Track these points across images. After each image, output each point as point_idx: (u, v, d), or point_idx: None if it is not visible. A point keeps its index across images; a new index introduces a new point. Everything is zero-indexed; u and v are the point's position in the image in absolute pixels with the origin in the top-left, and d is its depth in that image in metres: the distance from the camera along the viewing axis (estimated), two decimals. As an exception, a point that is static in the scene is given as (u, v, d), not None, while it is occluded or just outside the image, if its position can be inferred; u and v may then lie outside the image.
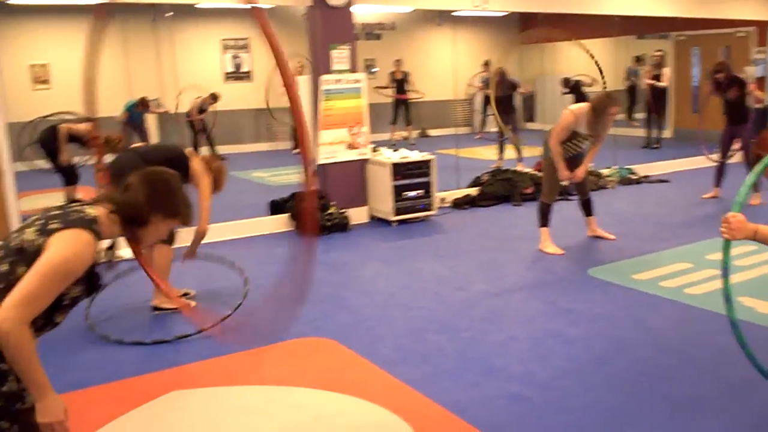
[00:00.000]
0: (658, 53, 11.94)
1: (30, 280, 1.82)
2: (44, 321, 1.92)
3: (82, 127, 6.73)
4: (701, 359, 3.69)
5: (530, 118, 14.59)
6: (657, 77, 11.76)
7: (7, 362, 1.80)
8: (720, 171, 7.70)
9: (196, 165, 4.37)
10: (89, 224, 1.95)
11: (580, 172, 5.67)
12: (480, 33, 15.03)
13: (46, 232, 1.90)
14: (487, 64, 11.02)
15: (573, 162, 5.68)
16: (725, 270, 2.56)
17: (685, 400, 3.24)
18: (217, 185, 4.49)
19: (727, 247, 2.51)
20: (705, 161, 10.11)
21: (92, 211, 2.00)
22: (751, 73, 11.99)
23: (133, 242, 2.12)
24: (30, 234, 1.91)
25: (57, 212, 1.99)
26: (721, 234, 2.48)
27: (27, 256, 1.87)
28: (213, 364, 3.74)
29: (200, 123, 11.29)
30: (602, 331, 4.09)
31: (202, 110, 11.25)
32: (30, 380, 1.83)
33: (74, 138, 6.90)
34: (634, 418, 3.08)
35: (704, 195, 7.76)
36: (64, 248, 1.87)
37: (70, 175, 7.11)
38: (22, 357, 1.79)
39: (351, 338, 4.03)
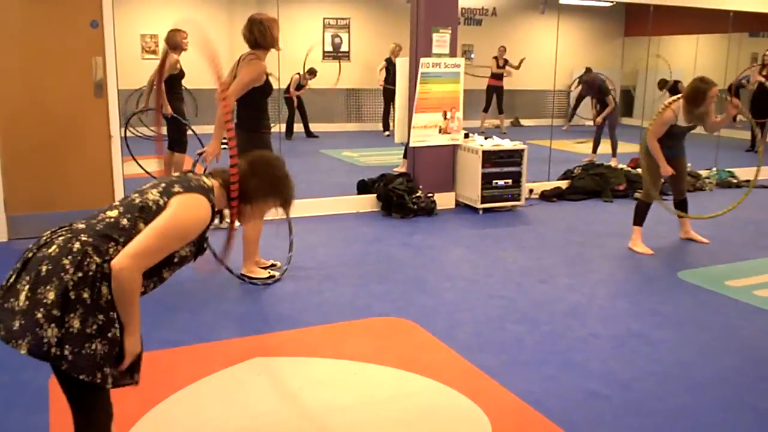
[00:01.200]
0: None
1: (150, 234, 1.99)
2: (153, 274, 2.08)
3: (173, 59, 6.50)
4: (792, 373, 3.54)
5: (628, 113, 14.18)
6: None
7: (115, 300, 1.96)
8: None
9: None
10: (207, 192, 2.14)
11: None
12: (584, 23, 14.69)
13: (168, 194, 2.08)
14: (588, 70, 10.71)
15: (672, 152, 5.49)
16: None
17: (772, 413, 3.14)
18: None
19: None
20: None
21: (209, 181, 2.20)
22: None
23: (236, 215, 2.29)
24: (153, 194, 2.08)
25: (179, 178, 2.17)
26: None
27: (149, 214, 2.04)
28: (296, 335, 3.86)
29: (298, 99, 11.54)
30: (688, 335, 3.98)
31: (300, 86, 11.49)
32: (129, 320, 2.00)
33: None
34: (716, 427, 3.00)
35: None
36: (186, 210, 2.06)
37: (176, 138, 6.73)
38: (130, 300, 1.98)
39: (431, 321, 4.07)
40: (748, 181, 8.75)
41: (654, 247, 5.60)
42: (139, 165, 6.53)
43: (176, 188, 2.10)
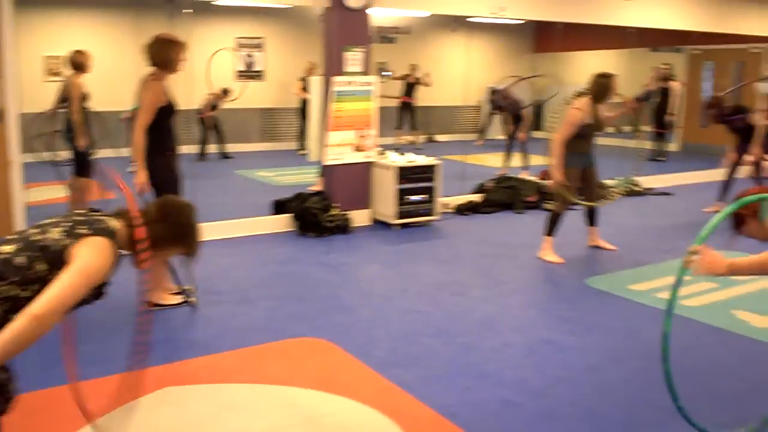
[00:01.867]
0: (665, 66, 11.94)
1: (68, 282, 1.94)
2: None
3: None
4: (695, 372, 3.70)
5: (538, 127, 14.59)
6: (664, 90, 11.80)
7: (16, 340, 1.87)
8: (726, 185, 7.70)
9: None
10: (112, 235, 2.10)
11: None
12: (494, 40, 15.08)
13: (74, 235, 2.02)
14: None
15: (583, 161, 5.68)
16: (676, 284, 2.66)
17: (676, 410, 3.26)
18: None
19: (682, 272, 2.58)
20: (710, 175, 10.13)
21: (113, 223, 2.15)
22: (762, 90, 12.00)
23: (139, 261, 2.21)
24: (55, 234, 2.02)
25: (82, 218, 2.11)
26: (685, 265, 2.59)
27: (49, 254, 1.98)
28: (210, 361, 3.78)
29: (211, 120, 11.37)
30: (597, 340, 4.11)
31: (213, 107, 11.32)
32: (11, 355, 1.92)
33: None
34: (624, 427, 3.11)
35: (706, 208, 7.76)
36: (98, 255, 2.01)
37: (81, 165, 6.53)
38: (28, 343, 1.90)
39: (346, 339, 4.06)
40: (650, 189, 9.17)
41: (564, 255, 5.77)
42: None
43: (81, 229, 2.04)
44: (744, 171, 7.73)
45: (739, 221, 2.86)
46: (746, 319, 4.45)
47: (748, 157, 7.52)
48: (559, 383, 3.54)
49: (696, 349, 4.01)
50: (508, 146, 9.97)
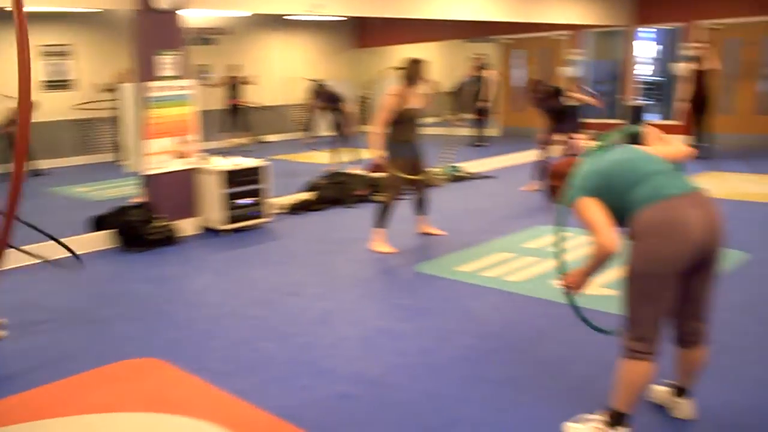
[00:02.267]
0: (480, 56, 12.54)
1: None
2: None
3: None
4: (520, 342, 3.90)
5: (366, 121, 14.83)
6: (480, 79, 12.39)
7: None
8: (540, 165, 8.18)
9: None
10: None
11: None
12: (316, 37, 15.13)
13: None
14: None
15: (410, 150, 5.80)
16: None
17: (505, 380, 3.42)
18: None
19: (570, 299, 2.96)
20: (528, 156, 10.77)
21: None
22: (567, 73, 12.93)
23: None
24: None
25: None
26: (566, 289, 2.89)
27: None
28: (26, 398, 3.48)
29: (14, 136, 10.51)
30: (429, 323, 4.23)
31: (15, 121, 10.47)
32: None
33: None
34: (459, 403, 3.21)
35: (522, 187, 8.23)
36: None
37: None
38: None
39: (179, 355, 3.90)
40: (474, 173, 9.60)
41: (396, 244, 5.89)
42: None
43: None
44: (557, 150, 8.27)
45: (553, 191, 3.02)
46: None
47: (559, 137, 8.05)
48: (395, 370, 3.60)
49: (520, 320, 4.23)
50: (335, 142, 10.06)
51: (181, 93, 6.57)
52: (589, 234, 2.71)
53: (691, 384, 2.95)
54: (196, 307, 4.71)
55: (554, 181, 3.01)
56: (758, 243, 5.61)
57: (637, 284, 2.59)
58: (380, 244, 5.86)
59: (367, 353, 3.85)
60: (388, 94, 5.71)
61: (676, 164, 2.79)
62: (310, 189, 7.96)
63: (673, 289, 2.60)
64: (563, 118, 7.95)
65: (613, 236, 2.62)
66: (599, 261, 2.68)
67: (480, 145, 12.46)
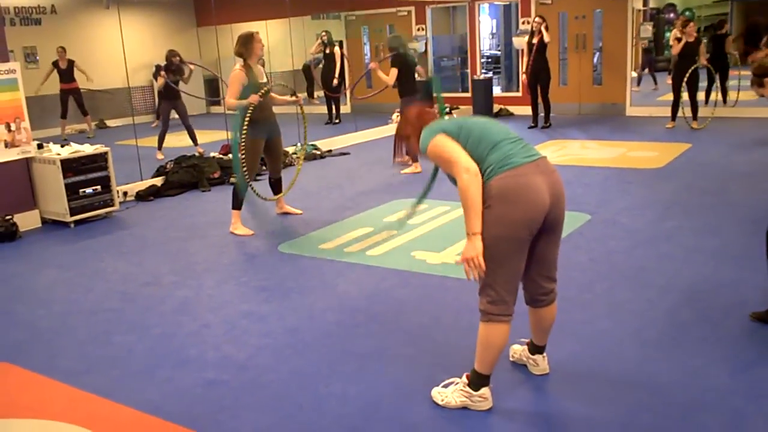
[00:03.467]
0: (324, 33, 12.49)
1: None
2: None
3: None
4: (383, 314, 3.96)
5: (215, 102, 14.45)
6: (329, 56, 12.36)
7: None
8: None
9: None
10: None
11: None
12: (155, 16, 14.47)
13: None
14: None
15: (266, 130, 5.69)
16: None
17: (371, 352, 3.47)
18: None
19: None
20: (379, 132, 10.93)
21: None
22: (414, 47, 13.17)
23: None
24: None
25: None
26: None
27: None
28: None
29: None
30: (294, 303, 4.21)
31: None
32: None
33: None
34: (327, 379, 3.22)
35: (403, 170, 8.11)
36: None
37: None
38: None
39: (27, 357, 3.64)
40: (330, 151, 9.61)
41: (254, 226, 5.79)
42: None
43: None
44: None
45: (402, 139, 2.99)
46: (423, 258, 4.88)
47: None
48: (262, 352, 3.55)
49: (383, 293, 4.30)
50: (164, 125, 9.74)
51: (4, 77, 6.05)
52: (450, 170, 2.67)
53: (544, 340, 3.12)
54: (43, 305, 4.41)
55: (407, 128, 2.96)
56: (598, 204, 6.02)
57: (489, 249, 2.63)
58: (238, 226, 5.75)
59: (232, 338, 3.77)
60: (234, 70, 5.57)
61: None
62: (160, 174, 7.65)
63: (525, 253, 2.71)
64: (408, 90, 8.04)
65: (472, 162, 2.60)
66: (471, 193, 2.57)
67: (334, 122, 12.48)
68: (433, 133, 2.75)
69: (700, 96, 10.45)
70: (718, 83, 11.09)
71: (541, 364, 3.15)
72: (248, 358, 3.49)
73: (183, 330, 3.90)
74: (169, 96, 9.57)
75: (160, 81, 9.64)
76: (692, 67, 9.46)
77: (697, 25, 10.77)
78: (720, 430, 2.68)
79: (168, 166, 7.76)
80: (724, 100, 11.21)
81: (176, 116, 9.72)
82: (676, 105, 9.93)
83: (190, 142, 9.69)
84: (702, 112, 10.13)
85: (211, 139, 9.97)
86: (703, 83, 10.55)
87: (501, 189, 2.61)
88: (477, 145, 2.68)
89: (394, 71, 7.64)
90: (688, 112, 9.88)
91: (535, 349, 3.15)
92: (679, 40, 9.61)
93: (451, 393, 2.91)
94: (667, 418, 2.77)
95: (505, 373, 3.16)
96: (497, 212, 2.62)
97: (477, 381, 2.84)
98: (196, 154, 8.35)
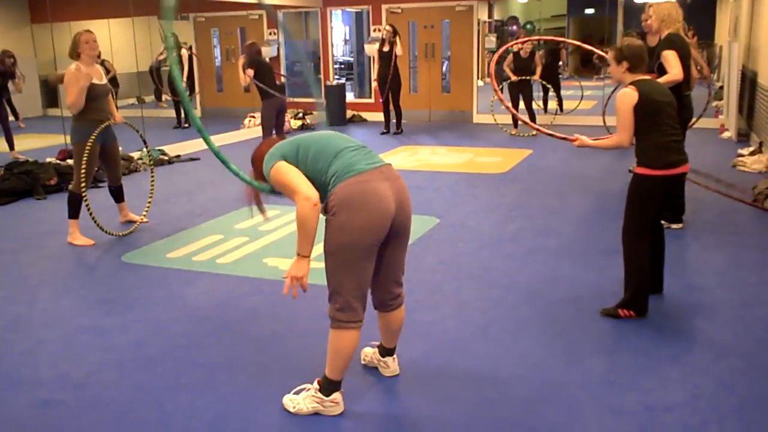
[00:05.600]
0: (173, 34, 12.08)
1: None
2: None
3: None
4: (235, 322, 3.87)
5: (53, 104, 13.56)
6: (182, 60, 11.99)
7: None
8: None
9: None
10: None
11: None
12: (-20, 11, 13.37)
13: None
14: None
15: (101, 136, 5.39)
16: None
17: (221, 362, 3.37)
18: None
19: None
20: (231, 137, 10.73)
21: None
22: (265, 53, 13.02)
23: None
24: None
25: None
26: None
27: None
28: None
29: None
30: (138, 315, 4.01)
31: None
32: None
33: None
34: (173, 392, 3.09)
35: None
36: None
37: None
38: None
39: None
40: (178, 156, 9.29)
41: (96, 235, 5.46)
42: None
43: None
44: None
45: (258, 176, 2.99)
46: (276, 265, 4.82)
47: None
48: (103, 368, 3.36)
49: (234, 301, 4.19)
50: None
51: None
52: (291, 197, 2.69)
53: (393, 343, 3.17)
54: None
55: (257, 165, 2.97)
56: (447, 208, 6.21)
57: (336, 257, 2.66)
58: (77, 235, 5.41)
59: (70, 354, 3.53)
60: (68, 70, 5.25)
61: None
62: (-11, 181, 7.06)
63: (372, 260, 2.73)
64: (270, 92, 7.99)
65: (312, 189, 2.63)
66: (305, 219, 2.61)
67: (183, 126, 12.09)
68: (273, 158, 2.76)
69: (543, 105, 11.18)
70: (553, 93, 11.88)
71: (391, 366, 3.19)
72: (88, 375, 3.29)
73: (14, 349, 3.61)
74: None
75: None
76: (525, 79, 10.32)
77: (534, 43, 11.49)
78: (560, 420, 2.83)
79: (-2, 172, 7.18)
80: (561, 109, 11.94)
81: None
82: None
83: (29, 145, 9.02)
84: (541, 119, 10.77)
85: (48, 143, 9.34)
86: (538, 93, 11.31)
87: (345, 195, 2.61)
88: (317, 161, 2.71)
89: (250, 71, 7.70)
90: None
91: (385, 351, 3.19)
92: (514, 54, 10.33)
93: (303, 399, 2.88)
94: (512, 411, 2.89)
95: (357, 377, 3.17)
96: (341, 219, 2.62)
97: (328, 386, 2.84)
98: (15, 159, 7.84)
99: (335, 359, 2.79)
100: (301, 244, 2.65)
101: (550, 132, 4.29)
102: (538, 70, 10.53)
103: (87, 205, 5.28)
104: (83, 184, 5.21)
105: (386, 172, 2.73)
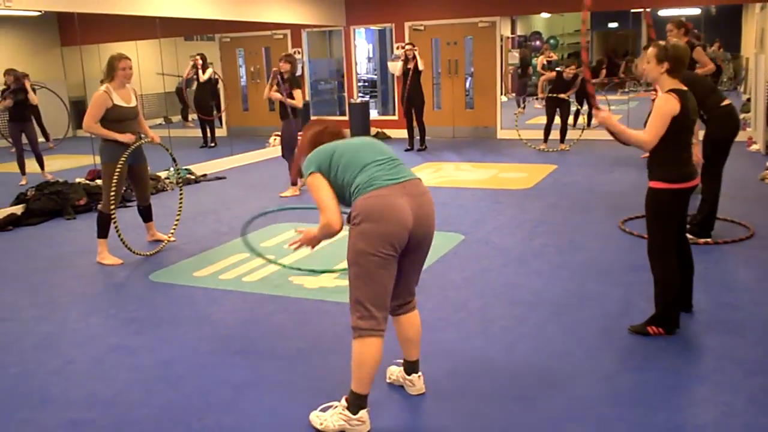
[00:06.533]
0: (198, 55, 12.25)
1: None
2: None
3: None
4: (260, 341, 3.89)
5: (80, 125, 13.78)
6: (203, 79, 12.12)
7: None
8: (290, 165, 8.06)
9: None
10: None
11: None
12: (16, 34, 13.68)
13: None
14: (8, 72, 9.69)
15: (134, 164, 5.52)
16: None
17: (247, 381, 3.38)
18: None
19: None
20: (256, 156, 10.82)
21: None
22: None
23: None
24: None
25: None
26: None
27: None
28: None
29: None
30: (166, 334, 4.05)
31: None
32: None
33: None
34: (200, 412, 3.11)
35: (283, 193, 7.94)
36: None
37: None
38: None
39: None
40: (204, 175, 9.39)
41: (125, 254, 5.54)
42: None
43: None
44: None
45: (297, 158, 3.15)
46: (301, 283, 4.83)
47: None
48: (131, 387, 3.39)
49: (258, 320, 4.21)
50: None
51: None
52: (319, 210, 2.87)
53: (414, 354, 3.16)
54: None
55: (300, 149, 3.13)
56: (472, 225, 6.20)
57: (357, 266, 2.76)
58: (105, 255, 5.48)
59: (99, 373, 3.57)
60: (97, 92, 5.36)
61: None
62: (20, 201, 7.19)
63: (392, 270, 2.79)
64: (286, 113, 7.98)
65: (337, 216, 2.82)
66: (325, 235, 2.88)
67: (209, 146, 12.22)
68: (310, 165, 2.90)
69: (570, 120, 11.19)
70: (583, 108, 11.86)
71: (417, 384, 3.18)
72: (116, 394, 3.32)
73: (44, 367, 3.66)
74: (16, 118, 8.99)
75: (5, 102, 9.00)
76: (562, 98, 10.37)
77: (559, 52, 11.49)
78: (586, 439, 2.80)
79: (29, 192, 7.31)
80: (589, 123, 11.89)
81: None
82: (547, 128, 10.58)
83: (58, 166, 9.17)
84: (569, 134, 10.75)
85: (77, 164, 9.50)
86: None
87: (364, 208, 2.74)
88: (345, 171, 2.85)
89: (298, 93, 7.67)
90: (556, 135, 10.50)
91: (410, 368, 3.18)
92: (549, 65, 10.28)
93: (330, 417, 2.88)
94: (540, 430, 2.86)
95: (382, 394, 3.16)
96: (361, 228, 2.74)
97: (355, 402, 2.84)
98: (45, 179, 7.97)
99: (359, 370, 2.82)
100: (317, 235, 2.94)
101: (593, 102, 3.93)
102: (573, 89, 10.57)
103: (115, 226, 5.35)
104: (112, 205, 5.29)
105: (408, 187, 2.82)
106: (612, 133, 3.72)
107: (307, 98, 13.43)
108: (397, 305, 3.03)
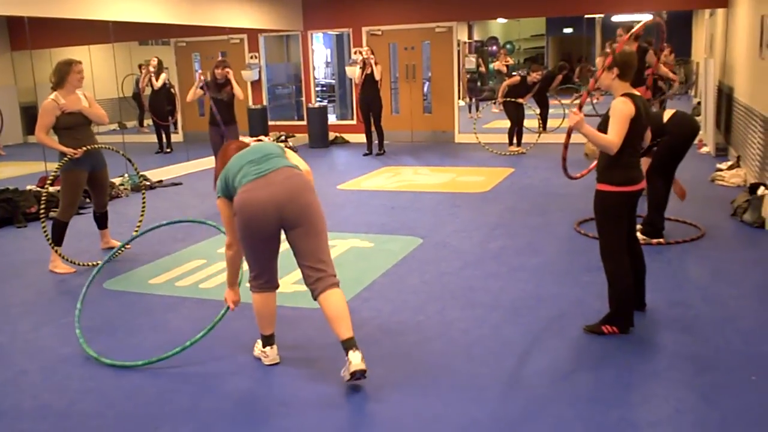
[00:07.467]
0: (150, 60, 12.11)
1: None
2: None
3: None
4: (218, 346, 3.84)
5: (31, 131, 13.49)
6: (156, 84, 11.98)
7: None
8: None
9: None
10: None
11: None
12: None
13: None
14: None
15: (89, 162, 5.43)
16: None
17: (205, 389, 3.34)
18: None
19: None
20: (212, 161, 10.67)
21: None
22: (247, 76, 13.07)
23: None
24: None
25: None
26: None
27: None
28: None
29: None
30: (120, 343, 3.98)
31: None
32: None
33: None
34: (156, 420, 3.06)
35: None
36: None
37: None
38: None
39: None
40: (160, 181, 9.26)
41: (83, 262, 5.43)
42: None
43: None
44: None
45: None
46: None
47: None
48: (85, 397, 3.33)
49: (218, 326, 4.14)
50: None
51: None
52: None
53: (341, 331, 3.22)
54: None
55: (216, 173, 3.57)
56: (430, 228, 6.23)
57: (242, 243, 3.40)
58: (58, 264, 5.37)
59: (52, 384, 3.50)
60: (46, 100, 5.28)
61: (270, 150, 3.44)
62: (-32, 210, 7.00)
63: (267, 243, 3.34)
64: (230, 117, 7.97)
65: (234, 238, 3.45)
66: (228, 261, 3.62)
67: (165, 151, 12.06)
68: (219, 190, 3.45)
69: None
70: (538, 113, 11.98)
71: (352, 359, 3.16)
72: (70, 405, 3.26)
73: (-6, 380, 3.57)
74: None
75: None
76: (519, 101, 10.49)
77: (516, 57, 11.64)
78: (543, 438, 2.83)
79: (-23, 200, 7.12)
80: (544, 128, 12.03)
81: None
82: (512, 130, 10.74)
83: (9, 173, 8.97)
84: (526, 138, 10.89)
85: (28, 171, 9.28)
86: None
87: (235, 204, 3.32)
88: (234, 178, 3.35)
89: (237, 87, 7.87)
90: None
91: (344, 346, 3.22)
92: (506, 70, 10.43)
93: (256, 350, 3.65)
94: (498, 430, 2.89)
95: (342, 389, 3.15)
96: (237, 219, 3.34)
97: (264, 340, 3.58)
98: None
99: (259, 318, 3.53)
100: (227, 276, 3.72)
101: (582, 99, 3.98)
102: (529, 94, 10.77)
103: (46, 236, 5.27)
104: (70, 213, 5.22)
105: (271, 177, 3.28)
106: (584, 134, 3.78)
107: (265, 103, 13.37)
108: (308, 285, 3.35)
